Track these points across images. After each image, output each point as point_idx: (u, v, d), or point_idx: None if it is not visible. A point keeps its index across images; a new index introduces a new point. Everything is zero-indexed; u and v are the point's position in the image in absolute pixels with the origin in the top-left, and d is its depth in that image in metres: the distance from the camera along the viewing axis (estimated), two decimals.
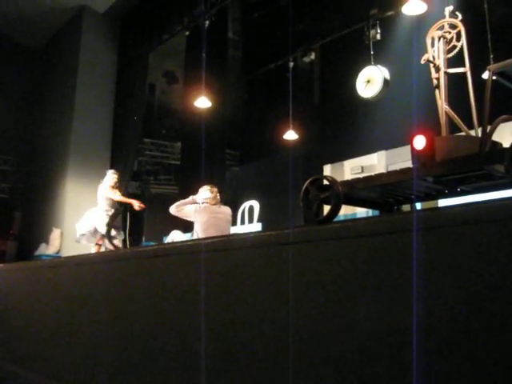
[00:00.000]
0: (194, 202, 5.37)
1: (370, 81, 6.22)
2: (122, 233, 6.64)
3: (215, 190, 5.40)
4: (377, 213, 2.55)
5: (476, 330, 1.39)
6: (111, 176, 6.61)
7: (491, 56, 5.31)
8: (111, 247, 6.24)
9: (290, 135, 8.15)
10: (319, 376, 1.76)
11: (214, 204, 5.28)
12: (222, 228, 5.14)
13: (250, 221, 8.31)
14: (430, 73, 2.50)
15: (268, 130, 9.15)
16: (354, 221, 1.95)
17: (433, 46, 2.52)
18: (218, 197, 5.39)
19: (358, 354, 1.66)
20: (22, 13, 9.44)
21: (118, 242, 6.41)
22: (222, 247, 2.38)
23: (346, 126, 8.24)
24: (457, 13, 2.56)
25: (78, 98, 9.24)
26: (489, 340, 1.36)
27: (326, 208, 2.14)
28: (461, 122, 2.36)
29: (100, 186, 6.63)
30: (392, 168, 5.48)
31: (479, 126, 2.23)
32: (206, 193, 5.32)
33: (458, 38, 2.47)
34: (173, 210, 5.40)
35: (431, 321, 1.48)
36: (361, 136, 7.81)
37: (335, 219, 2.08)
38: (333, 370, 1.72)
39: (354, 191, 2.18)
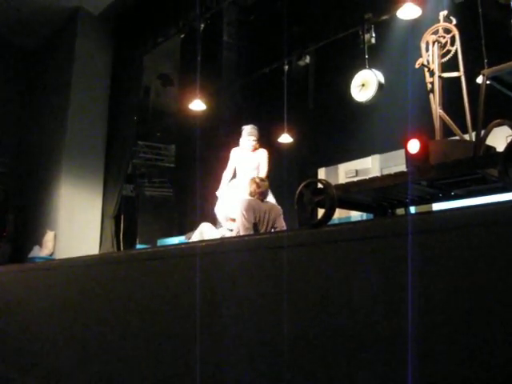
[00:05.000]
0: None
1: (365, 84, 6.25)
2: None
3: (263, 183, 4.92)
4: (371, 216, 2.55)
5: (469, 333, 1.39)
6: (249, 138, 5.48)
7: (485, 60, 5.34)
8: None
9: (285, 138, 8.15)
10: (312, 380, 1.75)
11: (259, 199, 4.83)
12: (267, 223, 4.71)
13: None
14: (424, 77, 2.51)
15: (263, 133, 9.13)
16: (348, 224, 1.95)
17: (427, 50, 2.54)
18: (266, 190, 4.89)
19: (352, 357, 1.65)
20: (16, 13, 9.41)
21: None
22: (215, 250, 2.38)
23: (341, 129, 8.25)
24: (451, 17, 2.57)
25: (72, 99, 9.22)
26: (482, 342, 1.36)
27: (321, 212, 2.14)
28: (455, 126, 2.36)
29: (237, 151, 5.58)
30: (386, 172, 5.49)
31: (473, 131, 2.23)
32: (250, 184, 4.89)
33: (453, 43, 2.49)
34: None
35: (425, 324, 1.48)
36: (355, 139, 7.82)
37: (329, 223, 2.07)
38: (325, 375, 1.72)
39: (348, 195, 2.18)
